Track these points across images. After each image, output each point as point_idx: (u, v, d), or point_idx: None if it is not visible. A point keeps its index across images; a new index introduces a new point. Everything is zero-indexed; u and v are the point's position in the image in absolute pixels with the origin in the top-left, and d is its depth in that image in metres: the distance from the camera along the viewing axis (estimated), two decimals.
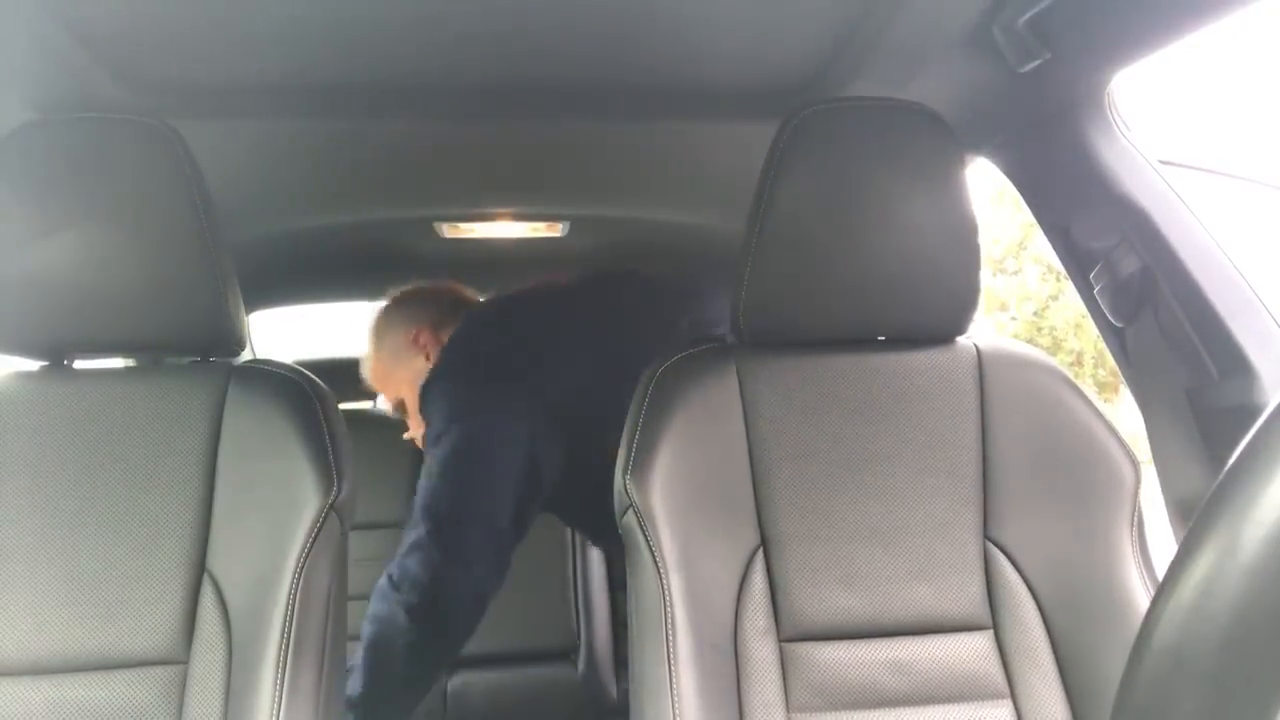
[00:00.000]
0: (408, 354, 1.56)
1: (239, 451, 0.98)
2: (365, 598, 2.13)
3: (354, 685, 1.31)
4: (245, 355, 1.10)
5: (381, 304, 1.66)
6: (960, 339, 1.06)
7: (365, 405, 2.41)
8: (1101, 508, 0.99)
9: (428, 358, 1.54)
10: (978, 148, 1.34)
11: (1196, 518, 0.35)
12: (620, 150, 1.56)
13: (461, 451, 1.34)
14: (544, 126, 1.42)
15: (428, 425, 1.41)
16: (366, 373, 1.66)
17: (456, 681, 2.15)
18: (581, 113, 1.36)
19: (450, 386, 1.40)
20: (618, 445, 1.02)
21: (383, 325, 1.62)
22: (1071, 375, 1.06)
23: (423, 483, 1.38)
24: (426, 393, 1.42)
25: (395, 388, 1.60)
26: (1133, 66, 1.08)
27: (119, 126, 0.96)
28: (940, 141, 0.99)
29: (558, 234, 1.93)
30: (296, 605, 0.92)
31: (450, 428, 1.36)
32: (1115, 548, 0.98)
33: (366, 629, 1.34)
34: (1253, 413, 0.99)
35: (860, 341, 1.05)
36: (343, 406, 1.10)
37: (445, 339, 1.52)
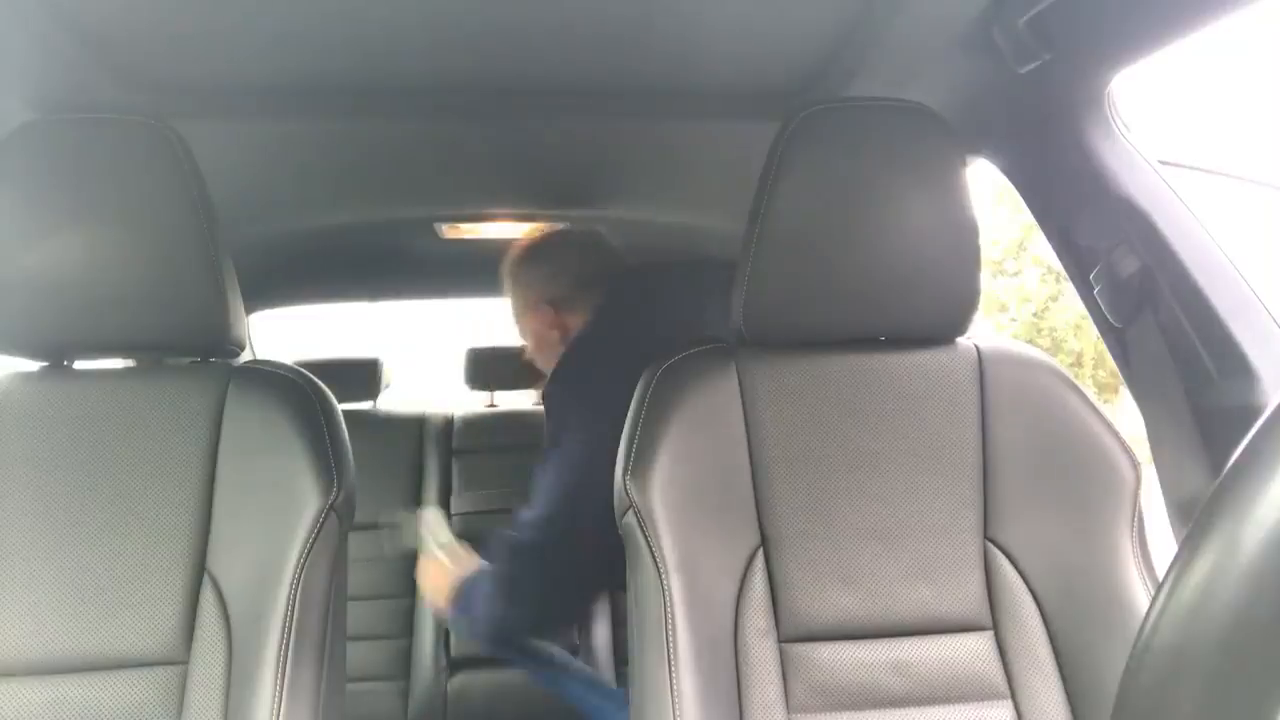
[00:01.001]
0: (533, 316, 1.56)
1: (239, 452, 0.98)
2: (365, 598, 2.15)
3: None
4: (245, 356, 1.10)
5: (521, 246, 1.62)
6: (961, 339, 1.06)
7: (365, 405, 2.41)
8: (1102, 508, 0.99)
9: (559, 332, 1.54)
10: (978, 148, 1.34)
11: (1196, 518, 0.35)
12: (621, 151, 1.56)
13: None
14: (544, 127, 1.42)
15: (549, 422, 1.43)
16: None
17: (456, 682, 2.15)
18: (582, 113, 1.36)
19: (565, 403, 1.40)
20: None
21: (513, 279, 1.60)
22: (1072, 376, 1.06)
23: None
24: (551, 395, 1.43)
25: (522, 333, 1.62)
26: (1133, 66, 1.08)
27: (119, 126, 0.96)
28: (941, 142, 0.99)
29: None
30: (296, 605, 0.92)
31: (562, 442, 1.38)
32: (1115, 548, 0.98)
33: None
34: (1253, 413, 0.99)
35: (861, 342, 1.05)
36: (343, 406, 1.10)
37: (568, 321, 1.52)
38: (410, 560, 2.22)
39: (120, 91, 1.20)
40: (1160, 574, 0.70)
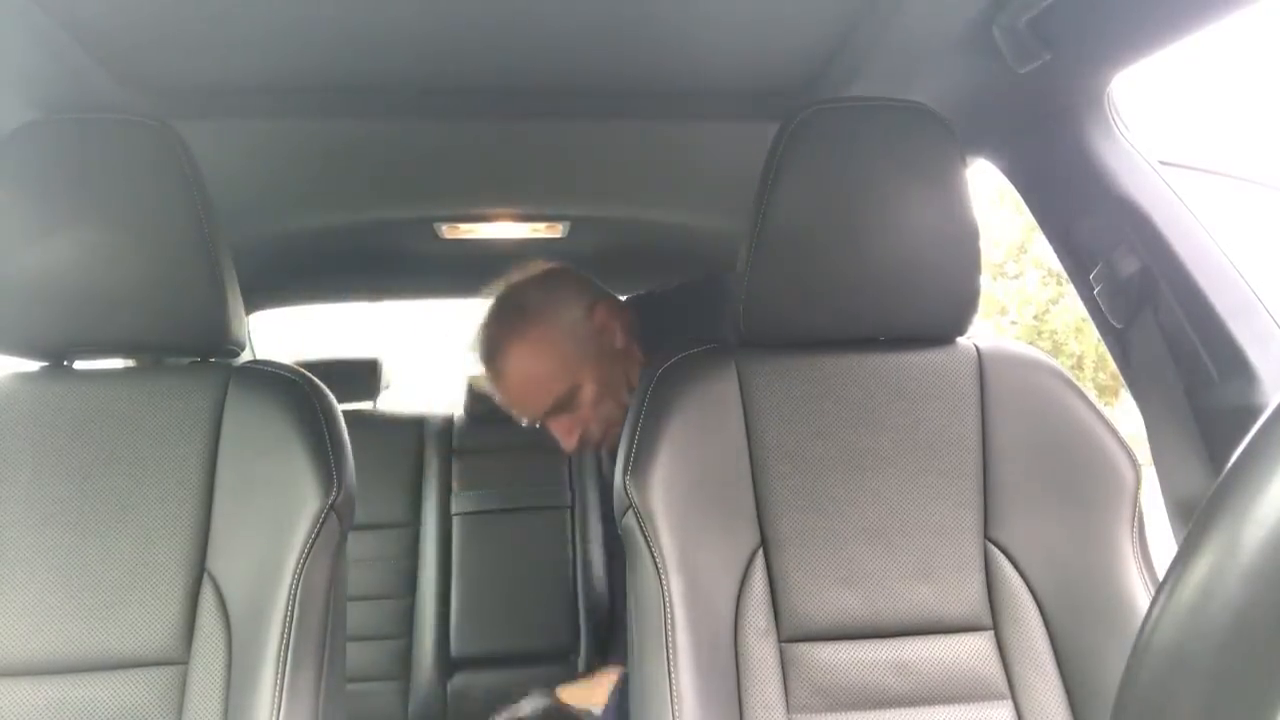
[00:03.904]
0: (585, 332, 1.32)
1: (239, 452, 0.98)
2: (365, 598, 2.15)
3: None
4: (245, 356, 1.10)
5: (527, 277, 1.38)
6: (960, 339, 1.06)
7: (365, 405, 2.41)
8: (1102, 508, 0.99)
9: (616, 339, 1.32)
10: (978, 148, 1.34)
11: (1196, 518, 0.35)
12: (621, 151, 1.56)
13: None
14: (544, 127, 1.42)
15: None
16: (517, 370, 1.32)
17: (457, 682, 2.15)
18: (582, 113, 1.36)
19: None
20: None
21: (542, 300, 1.33)
22: (1072, 376, 1.06)
23: None
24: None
25: (566, 378, 1.30)
26: (1133, 67, 1.08)
27: (119, 126, 0.96)
28: (941, 142, 0.99)
29: (558, 235, 1.93)
30: (296, 605, 0.92)
31: None
32: (1115, 548, 0.98)
33: None
34: (1253, 413, 0.99)
35: (860, 342, 1.05)
36: (343, 406, 1.10)
37: (622, 321, 1.32)
38: (410, 560, 2.23)
39: (120, 91, 1.20)
40: (1160, 574, 0.70)
